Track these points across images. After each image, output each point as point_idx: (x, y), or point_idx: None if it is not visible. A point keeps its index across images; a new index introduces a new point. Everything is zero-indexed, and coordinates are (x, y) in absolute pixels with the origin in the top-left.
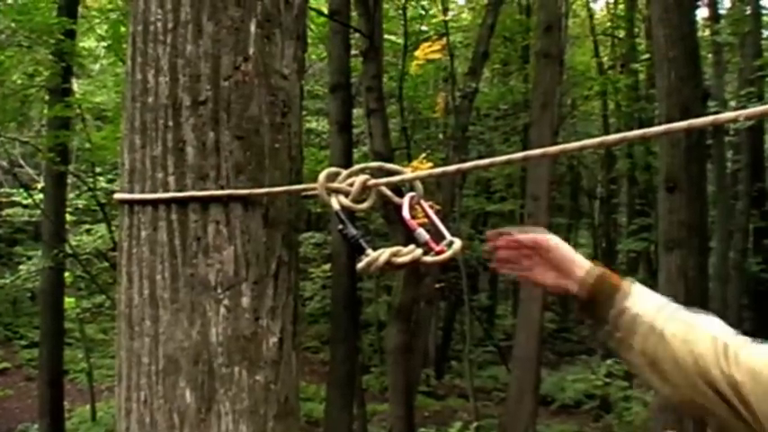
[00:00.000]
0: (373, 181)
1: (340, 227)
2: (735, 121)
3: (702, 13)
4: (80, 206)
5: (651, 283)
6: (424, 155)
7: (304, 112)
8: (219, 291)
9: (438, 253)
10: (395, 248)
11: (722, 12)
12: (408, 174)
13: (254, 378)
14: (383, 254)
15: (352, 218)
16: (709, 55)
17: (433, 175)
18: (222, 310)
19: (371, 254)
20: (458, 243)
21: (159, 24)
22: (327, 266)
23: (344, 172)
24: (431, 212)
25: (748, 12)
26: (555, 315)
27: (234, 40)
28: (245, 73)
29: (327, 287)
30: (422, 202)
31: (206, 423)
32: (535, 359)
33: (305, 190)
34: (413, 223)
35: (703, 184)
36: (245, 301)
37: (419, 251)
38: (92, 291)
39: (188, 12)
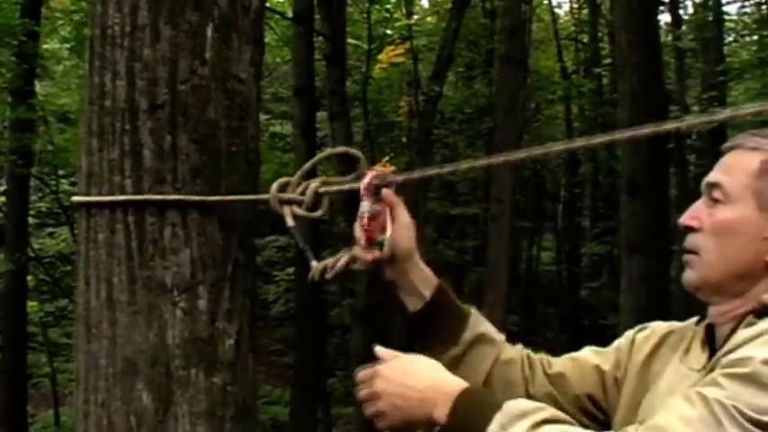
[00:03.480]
0: (324, 189)
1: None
2: (678, 129)
3: (665, 18)
4: (43, 209)
5: (614, 286)
6: (387, 158)
7: (268, 115)
8: (176, 293)
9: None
10: (330, 260)
11: (685, 17)
12: (364, 180)
13: (211, 380)
14: (319, 266)
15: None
16: (672, 60)
17: (397, 181)
18: (179, 312)
19: (314, 265)
20: (387, 246)
21: (117, 28)
22: (292, 270)
23: (293, 179)
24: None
25: (710, 18)
26: (519, 318)
27: (191, 44)
28: (202, 77)
29: (292, 290)
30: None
31: (163, 425)
32: None
33: (257, 201)
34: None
35: (665, 187)
36: (202, 303)
37: (346, 257)
38: (55, 294)
39: (145, 16)
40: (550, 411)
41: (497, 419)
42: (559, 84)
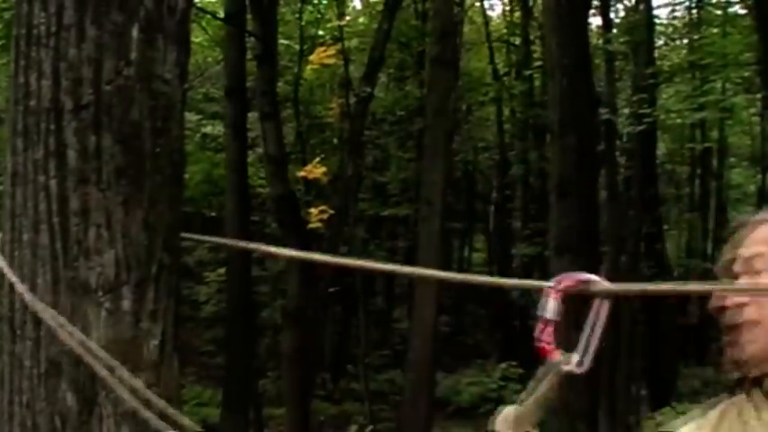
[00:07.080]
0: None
1: None
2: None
3: (596, 21)
4: None
5: None
6: (318, 159)
7: (200, 116)
8: (100, 294)
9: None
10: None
11: (616, 20)
12: (565, 282)
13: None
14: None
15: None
16: (603, 63)
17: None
18: (103, 313)
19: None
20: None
21: (42, 28)
22: (223, 270)
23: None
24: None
25: (641, 21)
26: (450, 319)
27: (116, 44)
28: (127, 77)
29: (223, 291)
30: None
31: (88, 426)
32: (429, 362)
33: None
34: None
35: (594, 189)
36: (126, 304)
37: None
38: None
39: (71, 15)
40: None
41: None
42: (491, 86)
